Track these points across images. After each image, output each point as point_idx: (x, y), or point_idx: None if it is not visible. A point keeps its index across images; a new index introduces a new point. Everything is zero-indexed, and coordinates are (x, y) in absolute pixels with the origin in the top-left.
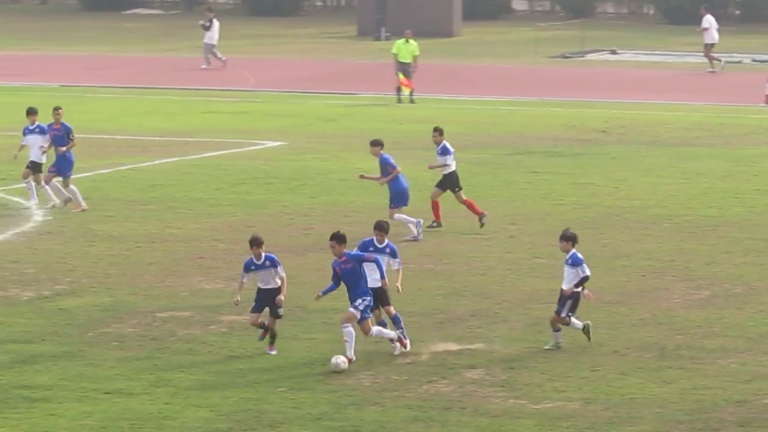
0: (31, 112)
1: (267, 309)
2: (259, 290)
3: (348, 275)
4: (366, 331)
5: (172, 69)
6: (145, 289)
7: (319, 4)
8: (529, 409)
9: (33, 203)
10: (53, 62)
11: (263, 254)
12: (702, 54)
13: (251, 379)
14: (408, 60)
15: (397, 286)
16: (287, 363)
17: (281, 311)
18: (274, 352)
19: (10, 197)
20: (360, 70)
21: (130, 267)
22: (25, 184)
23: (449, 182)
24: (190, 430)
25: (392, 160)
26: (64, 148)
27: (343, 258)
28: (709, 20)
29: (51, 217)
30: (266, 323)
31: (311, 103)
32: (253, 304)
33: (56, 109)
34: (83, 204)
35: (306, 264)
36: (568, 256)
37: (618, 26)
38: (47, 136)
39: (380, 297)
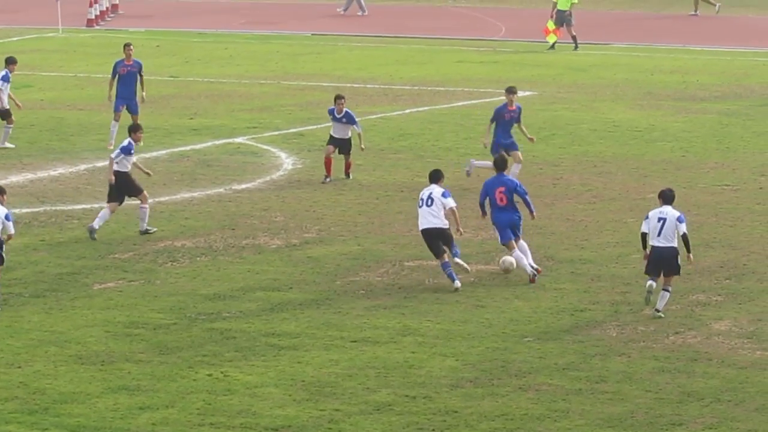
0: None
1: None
2: None
3: None
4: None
5: (423, 16)
6: (394, 237)
7: None
8: None
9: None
10: (304, 10)
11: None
12: None
13: (498, 329)
14: (566, 7)
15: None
16: (534, 313)
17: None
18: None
19: (260, 145)
20: (615, 18)
21: (378, 216)
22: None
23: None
24: (436, 379)
25: None
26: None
27: None
28: None
29: (301, 166)
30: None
31: (562, 53)
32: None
33: (127, 45)
34: None
35: (555, 214)
36: None
37: None
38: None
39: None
